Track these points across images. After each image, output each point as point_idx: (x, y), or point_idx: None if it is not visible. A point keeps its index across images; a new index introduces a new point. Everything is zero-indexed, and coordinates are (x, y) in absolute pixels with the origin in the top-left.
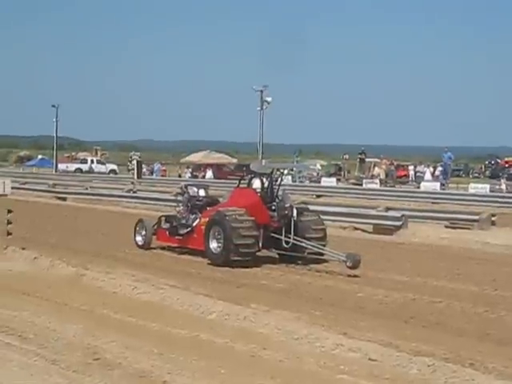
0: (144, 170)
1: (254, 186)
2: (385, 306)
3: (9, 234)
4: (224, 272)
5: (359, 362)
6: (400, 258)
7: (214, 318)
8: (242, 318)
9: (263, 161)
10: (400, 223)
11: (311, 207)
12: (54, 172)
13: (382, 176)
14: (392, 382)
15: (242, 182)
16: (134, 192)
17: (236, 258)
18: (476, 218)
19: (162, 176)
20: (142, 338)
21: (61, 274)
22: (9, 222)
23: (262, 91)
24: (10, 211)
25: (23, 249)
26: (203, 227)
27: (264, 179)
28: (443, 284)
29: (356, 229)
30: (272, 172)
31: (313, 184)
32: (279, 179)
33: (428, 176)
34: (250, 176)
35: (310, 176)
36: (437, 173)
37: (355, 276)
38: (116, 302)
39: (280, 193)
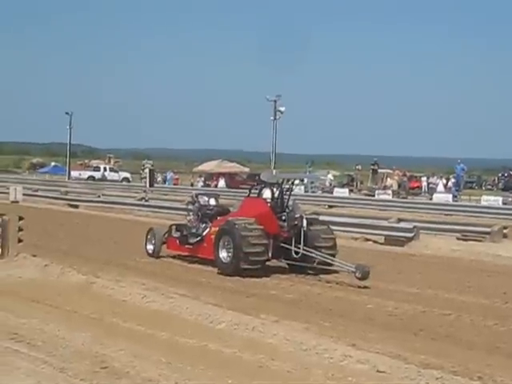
0: (159, 178)
1: (265, 196)
2: (394, 318)
3: (20, 240)
4: (234, 282)
5: (367, 374)
6: (411, 269)
7: (223, 327)
8: (251, 329)
9: (273, 171)
10: (412, 235)
11: (323, 218)
12: (66, 179)
13: (395, 187)
14: None
15: (252, 191)
16: (146, 200)
17: (246, 267)
18: (488, 230)
19: (175, 185)
20: (151, 346)
21: (71, 282)
22: (20, 229)
23: (275, 101)
24: (21, 218)
25: (34, 256)
26: (213, 236)
27: (274, 189)
28: (453, 296)
29: (367, 240)
30: (282, 182)
31: (325, 194)
32: (289, 189)
33: (441, 188)
34: (260, 186)
35: (323, 186)
36: (449, 184)
37: (365, 287)
38: (125, 310)
39: (290, 203)
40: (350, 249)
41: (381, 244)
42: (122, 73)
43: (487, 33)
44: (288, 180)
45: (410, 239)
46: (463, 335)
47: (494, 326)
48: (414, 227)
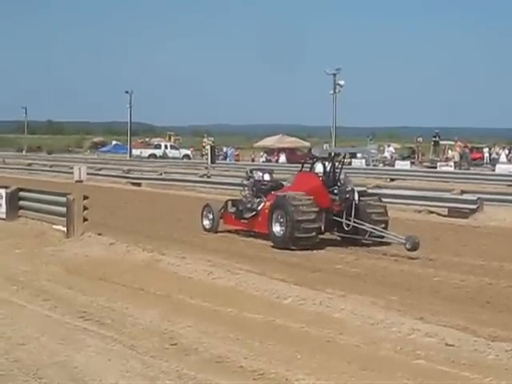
0: (222, 151)
1: (317, 170)
2: (461, 291)
3: (85, 219)
4: (299, 257)
5: (436, 347)
6: (476, 241)
7: (290, 302)
8: (318, 303)
9: (325, 145)
10: (475, 206)
11: (385, 191)
12: (128, 158)
13: (457, 159)
14: (469, 367)
15: (304, 166)
16: (208, 177)
17: (299, 235)
18: None
19: (236, 161)
20: (218, 323)
21: (137, 260)
22: (85, 208)
23: (334, 74)
24: (85, 197)
25: (99, 234)
26: (267, 211)
27: (326, 163)
28: None
29: (431, 212)
30: (333, 156)
31: (387, 167)
32: (341, 163)
33: (503, 158)
34: (312, 160)
35: (384, 159)
36: None
37: (430, 260)
38: (192, 287)
39: (342, 176)
40: (413, 221)
41: (444, 216)
42: (182, 50)
43: None
44: (339, 154)
45: (473, 211)
46: None
47: None
48: (478, 199)
